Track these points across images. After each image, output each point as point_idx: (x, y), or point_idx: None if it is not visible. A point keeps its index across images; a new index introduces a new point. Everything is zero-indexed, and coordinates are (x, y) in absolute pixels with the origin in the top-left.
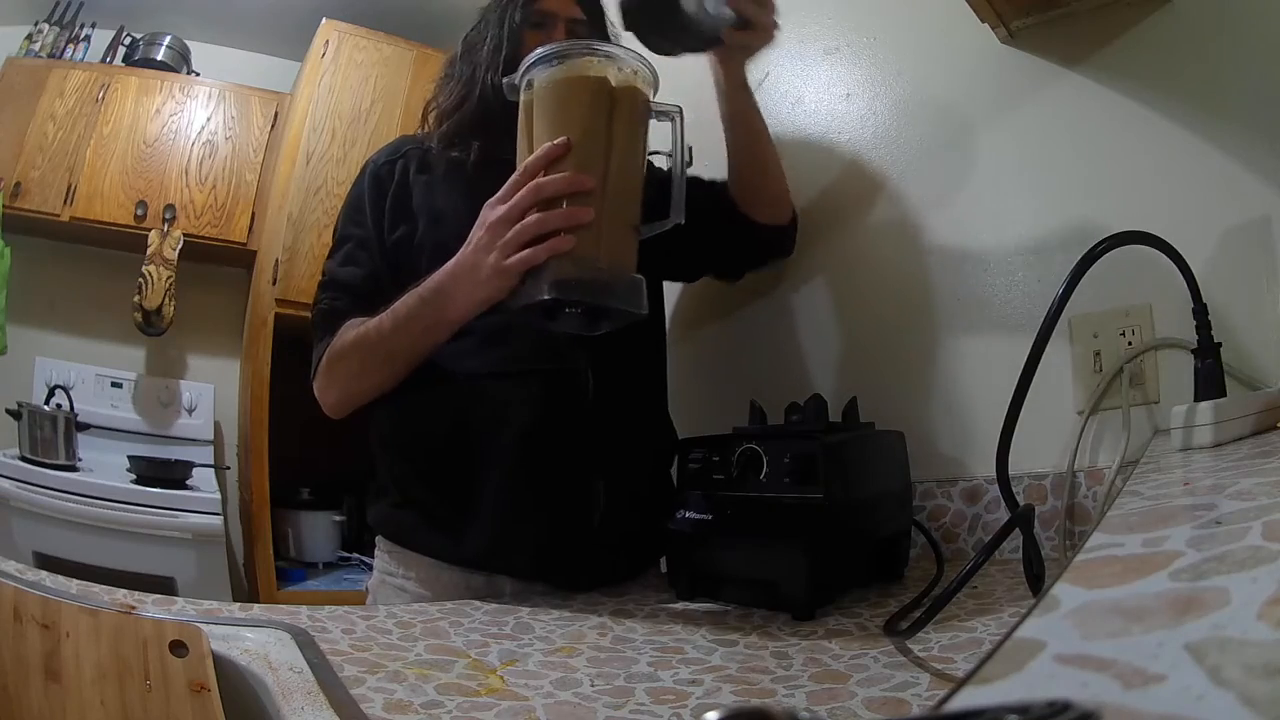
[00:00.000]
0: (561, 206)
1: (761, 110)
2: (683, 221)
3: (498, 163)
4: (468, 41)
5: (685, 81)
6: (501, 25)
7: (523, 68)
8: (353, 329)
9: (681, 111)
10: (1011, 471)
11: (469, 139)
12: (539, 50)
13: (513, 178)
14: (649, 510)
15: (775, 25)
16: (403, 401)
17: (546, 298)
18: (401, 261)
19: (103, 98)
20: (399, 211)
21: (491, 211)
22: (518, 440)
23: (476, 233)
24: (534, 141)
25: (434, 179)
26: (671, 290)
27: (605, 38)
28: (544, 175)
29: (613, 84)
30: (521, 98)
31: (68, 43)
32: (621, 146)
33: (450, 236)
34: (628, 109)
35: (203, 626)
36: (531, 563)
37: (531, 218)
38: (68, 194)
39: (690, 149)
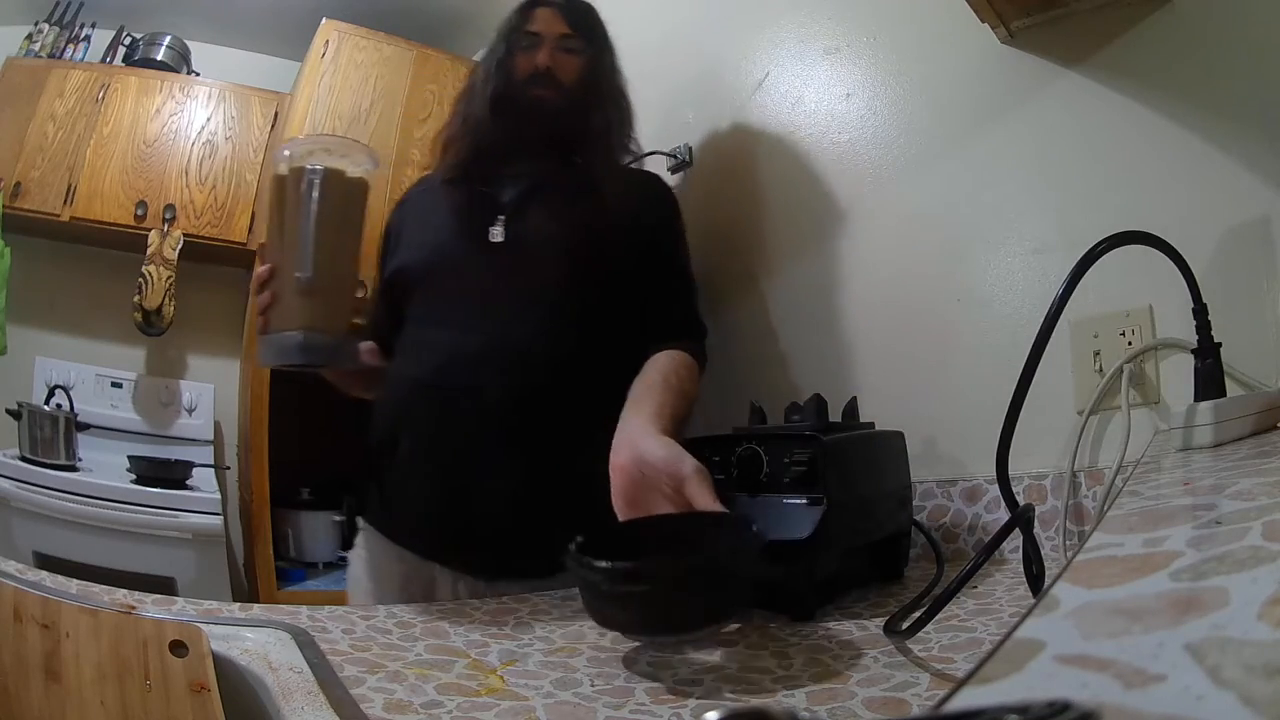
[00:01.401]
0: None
1: (764, 109)
2: (306, 274)
3: (483, 194)
4: (473, 74)
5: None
6: (492, 57)
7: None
8: None
9: (323, 174)
10: (1011, 471)
11: (464, 170)
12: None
13: None
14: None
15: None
16: (381, 395)
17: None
18: (396, 289)
19: (103, 98)
20: (398, 246)
21: None
22: (425, 442)
23: None
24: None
25: (431, 209)
26: None
27: (601, 49)
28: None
29: (283, 172)
30: None
31: (68, 43)
32: (288, 227)
33: (431, 260)
34: (291, 189)
35: (203, 626)
36: (434, 550)
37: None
38: (68, 194)
39: (690, 149)
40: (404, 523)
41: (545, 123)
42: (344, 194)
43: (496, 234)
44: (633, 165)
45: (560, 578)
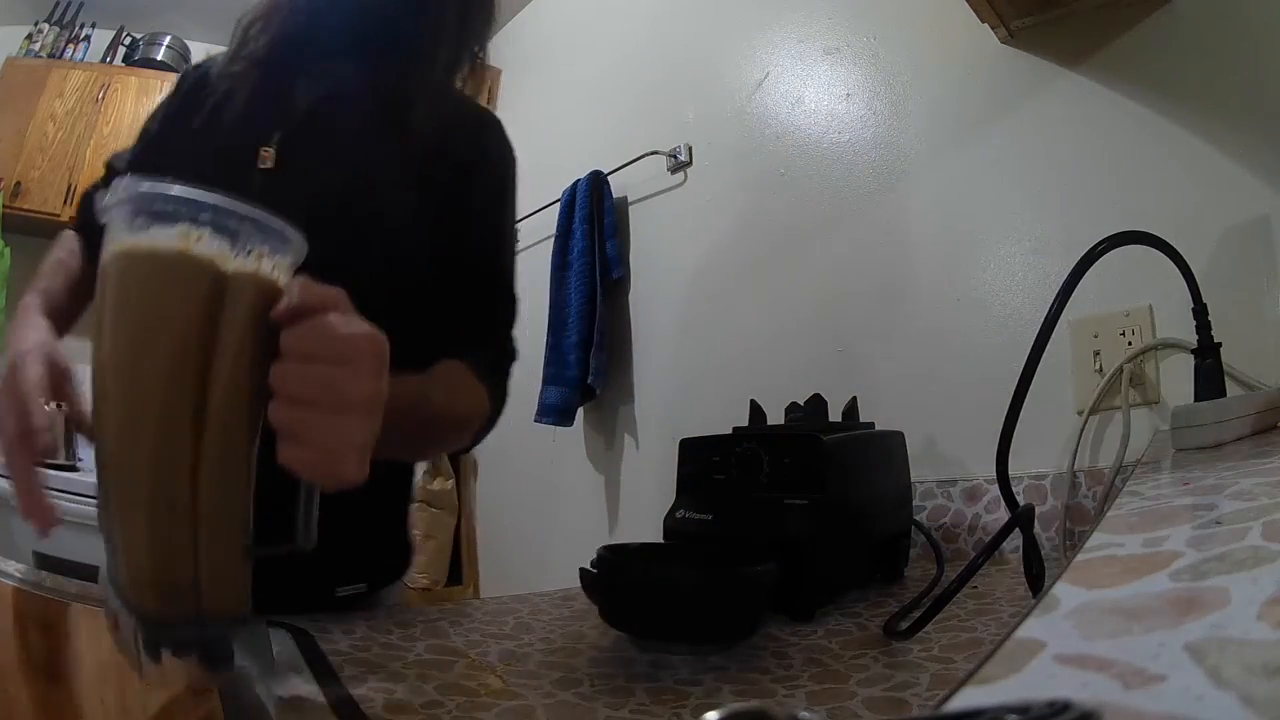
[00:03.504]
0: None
1: (764, 109)
2: (308, 547)
3: (266, 98)
4: None
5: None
6: None
7: (109, 195)
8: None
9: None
10: (1011, 471)
11: (251, 61)
12: (124, 180)
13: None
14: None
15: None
16: None
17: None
18: None
19: (103, 98)
20: (149, 152)
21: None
22: None
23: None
24: (100, 342)
25: (201, 108)
26: (667, 288)
27: None
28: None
29: (225, 271)
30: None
31: (68, 43)
32: (223, 396)
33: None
34: (243, 320)
35: None
36: None
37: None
38: (68, 194)
39: (690, 148)
40: None
41: (365, 7)
42: None
43: (267, 157)
44: (471, 95)
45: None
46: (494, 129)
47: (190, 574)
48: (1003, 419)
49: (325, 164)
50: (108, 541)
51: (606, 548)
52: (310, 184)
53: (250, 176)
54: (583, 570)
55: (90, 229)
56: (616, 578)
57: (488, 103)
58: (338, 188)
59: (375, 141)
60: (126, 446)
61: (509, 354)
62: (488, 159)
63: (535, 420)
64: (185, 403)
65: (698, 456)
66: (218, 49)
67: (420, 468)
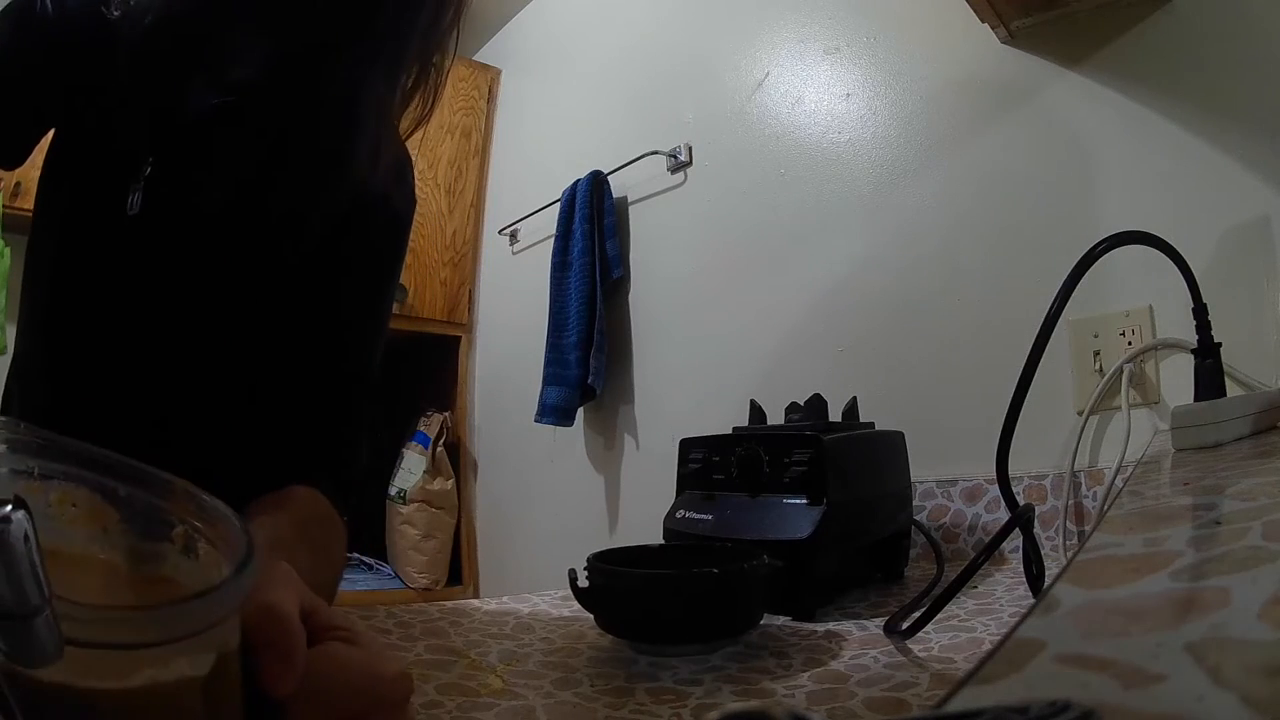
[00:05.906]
0: None
1: (764, 109)
2: None
3: (140, 112)
4: None
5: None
6: None
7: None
8: None
9: None
10: (1011, 471)
11: (146, 42)
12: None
13: None
14: None
15: None
16: None
17: None
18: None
19: None
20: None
21: None
22: None
23: None
24: None
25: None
26: (667, 288)
27: None
28: None
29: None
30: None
31: None
32: None
33: (49, 232)
34: (230, 683)
35: None
36: None
37: None
38: None
39: (690, 148)
40: None
41: None
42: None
43: (135, 198)
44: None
45: None
46: (409, 172)
47: None
48: (1003, 419)
49: (187, 207)
50: None
51: (597, 555)
52: (172, 249)
53: (118, 224)
54: (572, 573)
55: None
56: (605, 587)
57: (487, 103)
58: (204, 263)
59: (266, 178)
60: None
61: (362, 468)
62: (398, 216)
63: (535, 420)
64: None
65: (698, 456)
66: None
67: (420, 467)
